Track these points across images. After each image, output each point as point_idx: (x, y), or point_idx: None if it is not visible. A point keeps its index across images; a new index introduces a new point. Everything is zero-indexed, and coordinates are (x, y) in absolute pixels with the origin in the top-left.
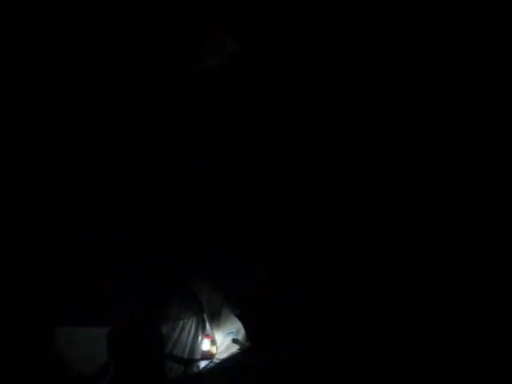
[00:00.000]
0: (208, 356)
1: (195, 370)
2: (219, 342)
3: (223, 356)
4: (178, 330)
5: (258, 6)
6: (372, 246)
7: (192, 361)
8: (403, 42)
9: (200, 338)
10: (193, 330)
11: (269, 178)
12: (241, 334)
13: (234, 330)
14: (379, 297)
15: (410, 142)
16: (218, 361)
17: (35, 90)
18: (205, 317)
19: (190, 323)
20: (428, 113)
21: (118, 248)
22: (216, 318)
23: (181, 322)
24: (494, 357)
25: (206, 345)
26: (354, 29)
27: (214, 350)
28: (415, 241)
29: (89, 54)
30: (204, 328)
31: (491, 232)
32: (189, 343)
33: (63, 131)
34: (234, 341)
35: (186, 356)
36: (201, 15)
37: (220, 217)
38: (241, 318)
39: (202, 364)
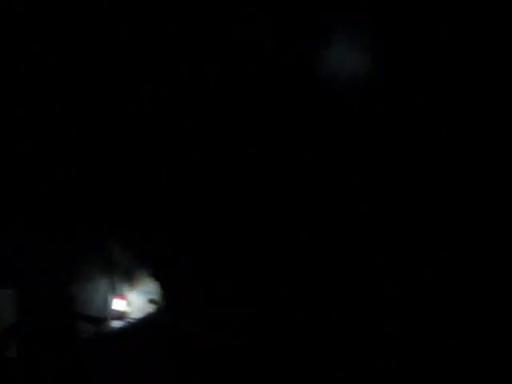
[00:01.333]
0: (121, 316)
1: (108, 329)
2: (133, 302)
3: (137, 316)
4: (88, 290)
5: (258, 6)
6: (372, 246)
7: (104, 320)
8: (403, 42)
9: (112, 297)
10: (104, 290)
11: (269, 177)
12: (157, 294)
13: (149, 290)
14: (379, 297)
15: (410, 142)
16: (132, 320)
17: (33, 90)
18: (117, 276)
19: (101, 283)
20: (428, 113)
21: None
22: (130, 278)
23: (92, 282)
24: (494, 357)
25: (119, 305)
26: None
27: (127, 310)
28: (415, 241)
29: (87, 53)
30: (116, 288)
31: (491, 232)
32: (100, 303)
33: (61, 131)
34: (150, 301)
35: (98, 316)
36: (200, 15)
37: (220, 216)
38: (157, 277)
39: (115, 324)
